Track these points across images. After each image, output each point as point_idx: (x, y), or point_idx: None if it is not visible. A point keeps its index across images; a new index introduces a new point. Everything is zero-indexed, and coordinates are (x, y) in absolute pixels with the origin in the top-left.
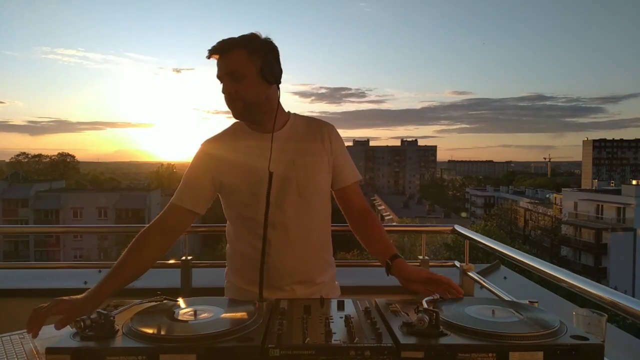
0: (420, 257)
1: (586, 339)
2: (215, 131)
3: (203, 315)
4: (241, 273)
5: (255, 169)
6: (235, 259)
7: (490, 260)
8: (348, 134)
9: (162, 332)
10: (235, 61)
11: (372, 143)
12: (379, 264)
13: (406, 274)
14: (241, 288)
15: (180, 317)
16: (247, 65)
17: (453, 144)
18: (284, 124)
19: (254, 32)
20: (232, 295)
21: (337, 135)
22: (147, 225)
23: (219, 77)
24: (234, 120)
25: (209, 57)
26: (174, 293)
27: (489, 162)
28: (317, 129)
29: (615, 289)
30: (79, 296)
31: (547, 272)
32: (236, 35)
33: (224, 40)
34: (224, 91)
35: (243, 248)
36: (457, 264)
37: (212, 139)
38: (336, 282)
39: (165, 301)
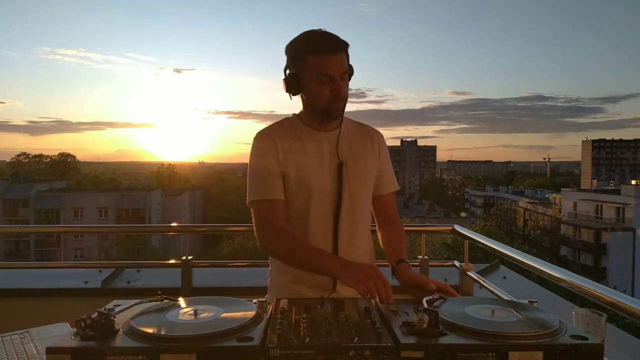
0: (420, 257)
1: (586, 338)
2: (215, 131)
3: (203, 315)
4: (287, 271)
5: (317, 167)
6: None
7: (489, 260)
8: None
9: (163, 332)
10: (345, 62)
11: None
12: (379, 264)
13: (403, 278)
14: (287, 286)
15: (180, 317)
16: (347, 67)
17: (453, 144)
18: (339, 125)
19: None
20: (277, 294)
21: (385, 143)
22: (268, 233)
23: (331, 75)
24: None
25: (333, 52)
26: (174, 293)
27: (489, 162)
28: (368, 134)
29: (615, 288)
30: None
31: (546, 272)
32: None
33: (336, 37)
34: (337, 92)
35: None
36: (457, 263)
37: (271, 131)
38: None
39: (165, 301)
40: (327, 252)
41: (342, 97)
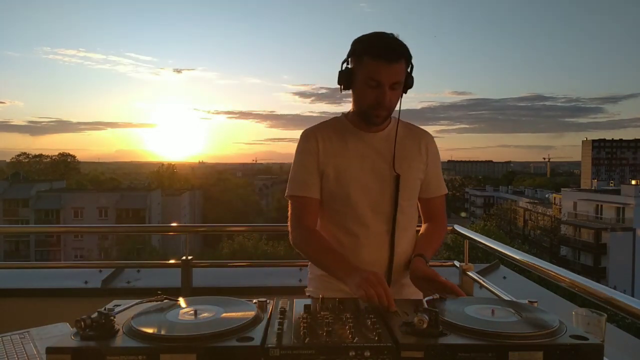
0: None
1: (586, 338)
2: (215, 131)
3: (203, 315)
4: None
5: (358, 169)
6: None
7: (489, 260)
8: None
9: (163, 332)
10: (400, 72)
11: None
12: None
13: (413, 269)
14: (324, 279)
15: (180, 317)
16: (403, 77)
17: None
18: (387, 125)
19: (396, 35)
20: (316, 285)
21: (435, 146)
22: (299, 229)
23: (380, 81)
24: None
25: (389, 60)
26: (174, 292)
27: (489, 162)
28: (417, 136)
29: (615, 288)
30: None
31: (546, 272)
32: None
33: (399, 46)
34: (381, 99)
35: (332, 242)
36: (457, 263)
37: (315, 130)
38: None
39: (165, 301)
40: (343, 256)
41: (385, 105)
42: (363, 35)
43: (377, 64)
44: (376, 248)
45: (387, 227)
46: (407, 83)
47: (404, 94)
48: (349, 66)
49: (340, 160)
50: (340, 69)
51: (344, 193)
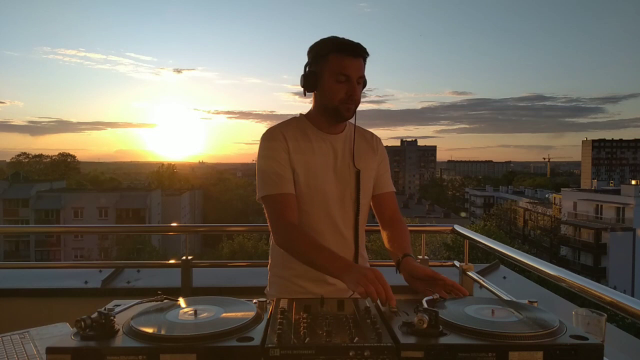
0: (420, 257)
1: (586, 338)
2: (215, 131)
3: (203, 315)
4: (288, 266)
5: (325, 169)
6: (284, 254)
7: (489, 260)
8: None
9: (163, 332)
10: (362, 67)
11: None
12: (379, 263)
13: (410, 270)
14: (290, 280)
15: (180, 317)
16: (364, 74)
17: (453, 144)
18: (343, 129)
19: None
20: (278, 288)
21: (383, 147)
22: (284, 228)
23: (349, 76)
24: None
25: (354, 55)
26: (174, 293)
27: (489, 162)
28: (368, 138)
29: (615, 288)
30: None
31: (546, 272)
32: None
33: (360, 44)
34: (352, 93)
35: None
36: (457, 263)
37: (280, 129)
38: None
39: (165, 301)
40: (336, 253)
41: (355, 99)
42: (321, 40)
43: (345, 59)
44: (343, 245)
45: (351, 224)
46: (365, 81)
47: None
48: (312, 69)
49: (308, 160)
50: (302, 73)
51: (312, 193)
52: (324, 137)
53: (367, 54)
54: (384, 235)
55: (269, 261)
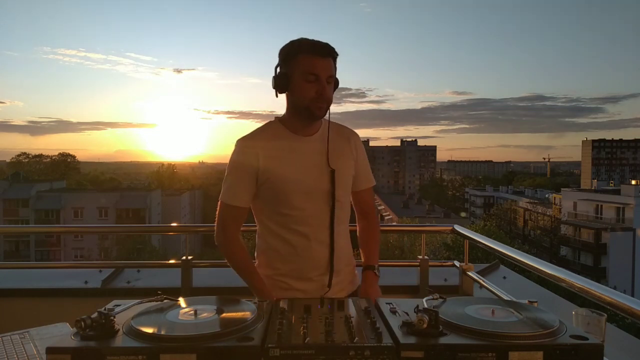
0: (420, 257)
1: (586, 338)
2: (215, 131)
3: (203, 315)
4: (273, 265)
5: (302, 170)
6: (268, 253)
7: (489, 260)
8: None
9: (163, 332)
10: (332, 68)
11: (372, 143)
12: (379, 263)
13: (363, 289)
14: (274, 278)
15: (180, 317)
16: (334, 73)
17: (453, 144)
18: (318, 129)
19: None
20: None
21: (361, 143)
22: (221, 233)
23: (318, 75)
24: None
25: (323, 55)
26: (174, 293)
27: (489, 162)
28: (346, 136)
29: (615, 288)
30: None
31: (546, 272)
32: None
33: (328, 44)
34: (322, 92)
35: (275, 243)
36: (457, 263)
37: (253, 138)
38: (355, 273)
39: (165, 301)
40: (255, 277)
41: (325, 98)
42: (290, 41)
43: (313, 59)
44: (320, 243)
45: (328, 222)
46: (336, 82)
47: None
48: (283, 70)
49: (281, 165)
50: (274, 74)
51: (287, 197)
52: (297, 139)
53: (336, 54)
54: (358, 227)
55: (255, 262)
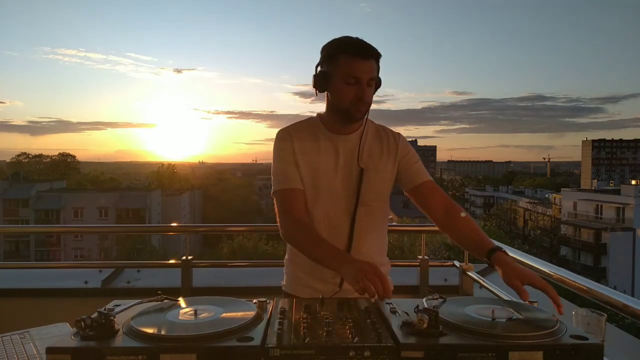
0: (420, 257)
1: (585, 338)
2: (215, 131)
3: (203, 315)
4: (301, 262)
5: (331, 169)
6: (291, 249)
7: None
8: None
9: (163, 332)
10: (374, 69)
11: None
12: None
13: (505, 271)
14: (299, 276)
15: (180, 317)
16: (376, 75)
17: (453, 144)
18: (357, 128)
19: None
20: (290, 282)
21: (405, 142)
22: (291, 223)
23: (358, 78)
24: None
25: (364, 57)
26: (174, 293)
27: (489, 162)
28: (385, 136)
29: (615, 288)
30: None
31: (546, 272)
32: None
33: (370, 45)
34: (361, 95)
35: None
36: (457, 263)
37: (289, 130)
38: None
39: (165, 301)
40: (336, 248)
41: (365, 101)
42: (333, 39)
43: (354, 61)
44: (336, 244)
45: (348, 224)
46: (377, 83)
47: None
48: (324, 69)
49: (312, 160)
50: (314, 73)
51: (313, 192)
52: (332, 138)
53: (379, 55)
54: (446, 231)
55: (286, 256)
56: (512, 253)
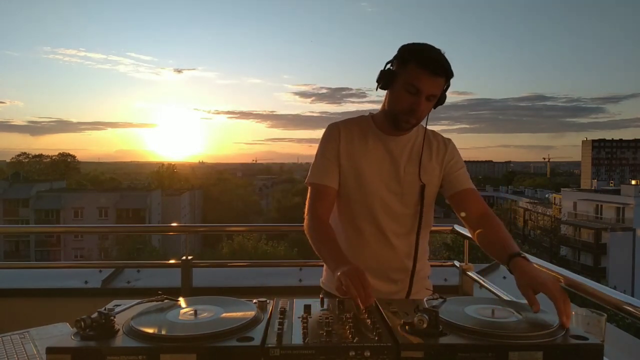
0: None
1: (585, 338)
2: (215, 131)
3: (203, 315)
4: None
5: (376, 169)
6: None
7: (489, 260)
8: None
9: (163, 332)
10: (439, 86)
11: None
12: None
13: (519, 278)
14: (327, 270)
15: (180, 317)
16: (440, 92)
17: None
18: (406, 133)
19: (443, 52)
20: (325, 277)
21: (453, 147)
22: (312, 219)
23: (419, 89)
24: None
25: (433, 72)
26: (174, 293)
27: (489, 162)
28: (436, 143)
29: (615, 288)
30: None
31: (546, 272)
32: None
33: (444, 62)
34: (416, 107)
35: (337, 232)
36: (457, 263)
37: (340, 123)
38: (428, 280)
39: (165, 301)
40: (338, 250)
41: (417, 115)
42: (413, 43)
43: (420, 72)
44: (392, 256)
45: (405, 235)
46: (440, 99)
47: (433, 109)
48: (392, 68)
49: (357, 158)
50: (382, 69)
51: (358, 191)
52: (383, 139)
53: (451, 74)
54: (477, 239)
55: None
56: None
